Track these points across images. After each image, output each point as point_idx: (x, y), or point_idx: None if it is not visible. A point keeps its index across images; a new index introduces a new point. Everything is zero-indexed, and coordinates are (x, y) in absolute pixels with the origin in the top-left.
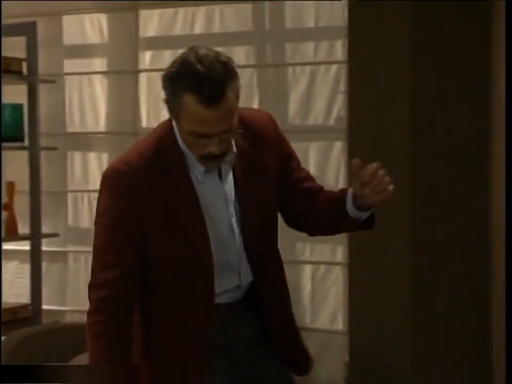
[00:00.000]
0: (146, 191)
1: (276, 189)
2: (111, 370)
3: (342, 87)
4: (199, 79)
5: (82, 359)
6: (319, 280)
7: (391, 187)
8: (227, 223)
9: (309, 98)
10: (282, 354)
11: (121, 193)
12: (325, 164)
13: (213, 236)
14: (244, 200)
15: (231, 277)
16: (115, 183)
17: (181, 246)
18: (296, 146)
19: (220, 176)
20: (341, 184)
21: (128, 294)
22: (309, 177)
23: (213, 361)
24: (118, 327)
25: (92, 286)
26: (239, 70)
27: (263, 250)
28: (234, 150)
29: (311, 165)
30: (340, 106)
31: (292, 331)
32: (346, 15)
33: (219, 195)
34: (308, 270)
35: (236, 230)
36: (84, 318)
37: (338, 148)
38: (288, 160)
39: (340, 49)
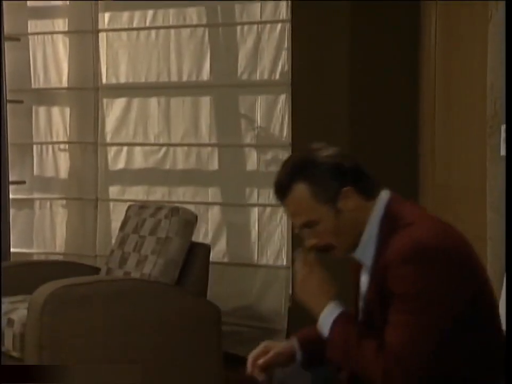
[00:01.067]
0: None
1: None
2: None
3: (286, 44)
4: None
5: (46, 288)
6: (265, 221)
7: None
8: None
9: (255, 54)
10: None
11: None
12: (271, 114)
13: None
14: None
15: None
16: None
17: None
18: (245, 99)
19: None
20: (285, 132)
21: None
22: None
23: None
24: None
25: None
26: (191, 29)
27: None
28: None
29: (259, 116)
30: (284, 62)
31: None
32: None
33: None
34: (255, 212)
35: None
36: (48, 258)
37: (283, 100)
38: (390, 297)
39: (284, 9)
